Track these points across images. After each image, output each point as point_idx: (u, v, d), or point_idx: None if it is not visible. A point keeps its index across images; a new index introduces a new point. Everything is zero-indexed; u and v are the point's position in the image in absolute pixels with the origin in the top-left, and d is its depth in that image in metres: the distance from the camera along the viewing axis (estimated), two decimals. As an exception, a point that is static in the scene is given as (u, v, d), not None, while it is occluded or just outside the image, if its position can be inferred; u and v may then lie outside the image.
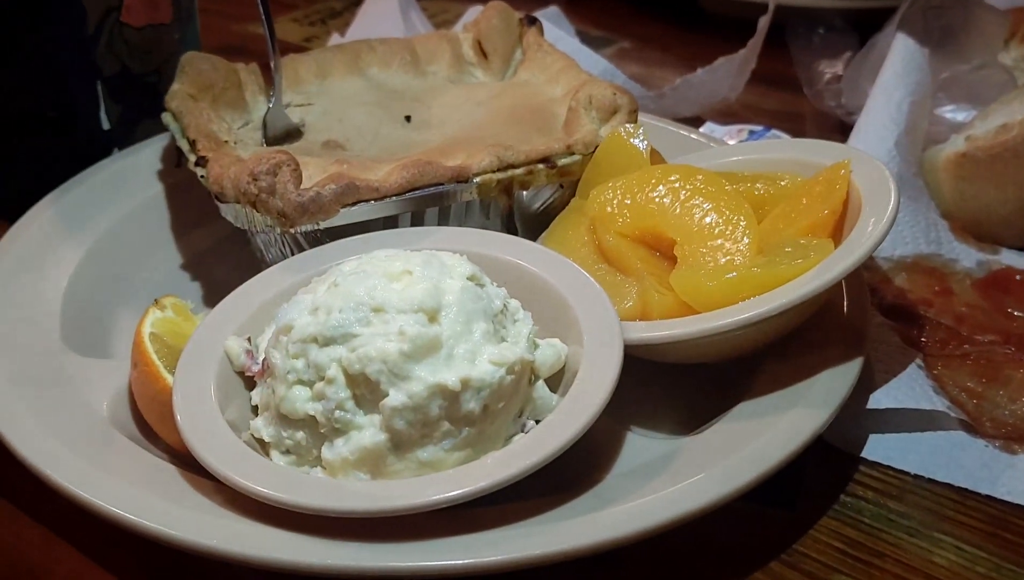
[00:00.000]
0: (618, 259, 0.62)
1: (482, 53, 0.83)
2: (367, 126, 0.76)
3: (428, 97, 0.80)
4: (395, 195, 0.63)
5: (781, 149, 0.68)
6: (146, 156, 0.78)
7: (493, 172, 0.65)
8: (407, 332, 0.48)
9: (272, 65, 0.75)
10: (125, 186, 0.75)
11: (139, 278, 0.71)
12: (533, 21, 0.83)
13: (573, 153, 0.67)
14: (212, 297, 0.68)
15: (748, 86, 1.02)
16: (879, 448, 0.58)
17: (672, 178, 0.63)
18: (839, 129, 0.98)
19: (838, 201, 0.60)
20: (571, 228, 0.66)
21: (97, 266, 0.68)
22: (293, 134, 0.75)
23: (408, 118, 0.78)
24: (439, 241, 0.61)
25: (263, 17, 0.75)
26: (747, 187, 0.65)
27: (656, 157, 0.68)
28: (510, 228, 0.69)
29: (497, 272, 0.58)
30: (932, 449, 0.58)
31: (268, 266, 0.62)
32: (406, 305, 0.49)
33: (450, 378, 0.47)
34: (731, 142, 0.88)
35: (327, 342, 0.49)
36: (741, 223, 0.59)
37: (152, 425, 0.55)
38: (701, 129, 0.90)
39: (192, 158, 0.66)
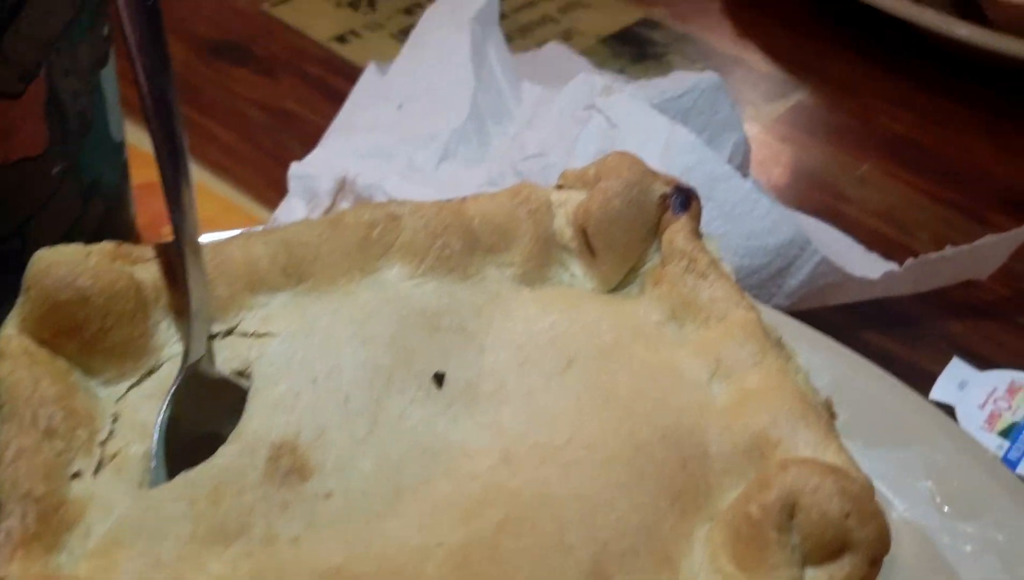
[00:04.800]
0: None
1: (588, 247, 0.47)
2: (361, 401, 0.43)
3: (480, 324, 0.46)
4: None
5: None
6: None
7: None
8: None
9: (184, 269, 0.41)
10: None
11: None
12: (687, 201, 0.47)
13: (743, 643, 0.33)
14: None
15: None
16: None
17: None
18: None
19: None
20: None
21: None
22: (219, 406, 0.42)
23: (439, 379, 0.44)
24: None
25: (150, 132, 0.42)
26: None
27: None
28: None
29: None
30: None
31: None
32: None
33: None
34: (996, 424, 0.52)
35: None
36: None
37: None
38: (942, 381, 0.54)
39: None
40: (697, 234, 0.48)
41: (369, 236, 0.47)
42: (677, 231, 0.47)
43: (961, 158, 0.78)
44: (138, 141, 0.72)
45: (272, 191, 0.68)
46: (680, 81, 0.67)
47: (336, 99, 0.74)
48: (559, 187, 0.51)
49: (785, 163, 0.76)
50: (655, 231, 0.48)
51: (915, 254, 0.69)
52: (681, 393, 0.42)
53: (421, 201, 0.48)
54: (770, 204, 0.57)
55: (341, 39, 0.86)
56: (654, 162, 0.59)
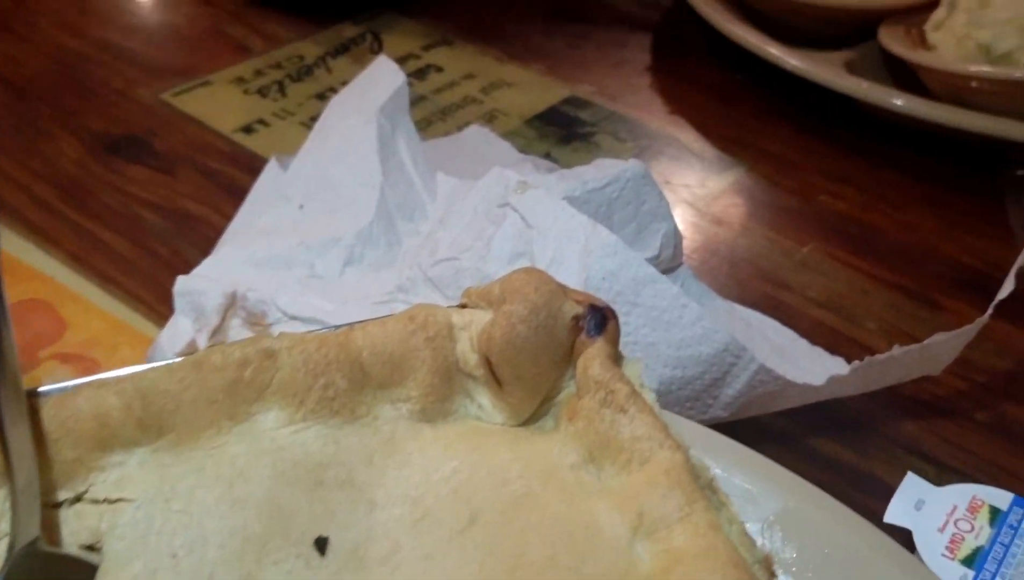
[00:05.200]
0: None
1: (494, 377, 0.42)
2: (229, 578, 0.36)
3: (371, 474, 0.40)
4: None
5: None
6: None
7: None
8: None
9: (4, 438, 0.35)
10: None
11: None
12: (603, 322, 0.42)
13: None
14: None
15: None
16: None
17: None
18: None
19: None
20: None
21: None
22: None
23: (322, 545, 0.38)
24: None
25: None
26: None
27: None
28: None
29: None
30: None
31: None
32: None
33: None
34: (958, 550, 0.47)
35: None
36: None
37: None
38: (896, 501, 0.49)
39: None
40: (615, 359, 0.42)
41: (240, 378, 0.41)
42: (592, 357, 0.41)
43: (905, 235, 0.74)
44: (18, 252, 0.66)
45: (164, 305, 0.62)
46: (603, 169, 0.62)
47: (240, 197, 0.68)
48: (462, 306, 0.45)
49: (722, 250, 0.71)
50: (569, 356, 0.43)
51: (861, 345, 0.65)
52: (600, 557, 0.36)
53: (301, 333, 0.42)
54: (700, 310, 0.52)
55: (247, 129, 0.80)
56: (573, 265, 0.54)
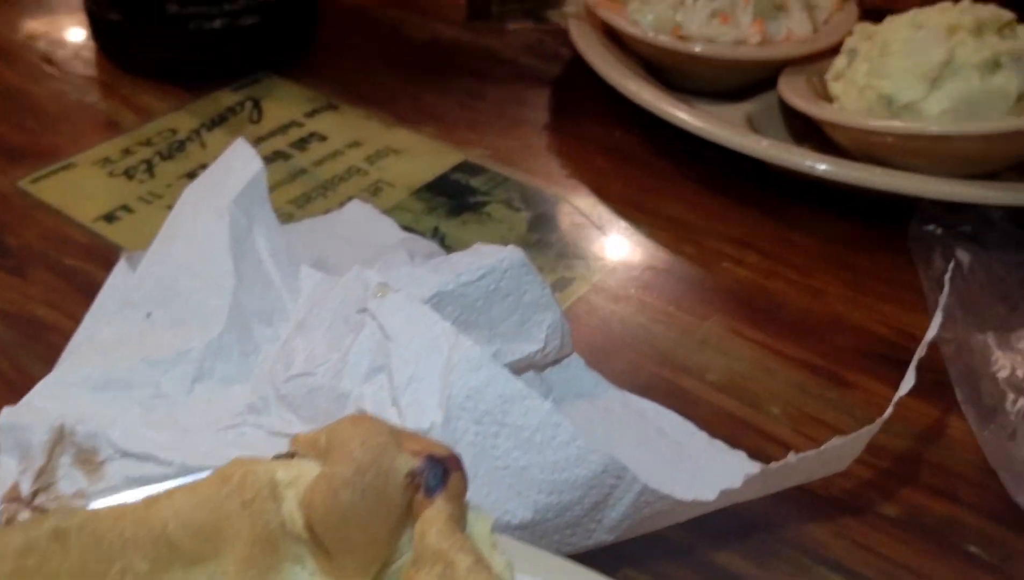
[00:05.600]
0: None
1: (321, 545, 0.36)
2: None
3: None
4: None
5: None
6: None
7: None
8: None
9: None
10: None
11: None
12: (443, 478, 0.36)
13: None
14: None
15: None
16: None
17: None
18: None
19: None
20: None
21: None
22: None
23: None
24: None
25: None
26: None
27: None
28: None
29: None
30: None
31: None
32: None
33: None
34: None
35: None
36: None
37: None
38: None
39: None
40: (458, 519, 0.37)
41: (21, 569, 0.35)
42: (430, 522, 0.36)
43: (811, 303, 0.70)
44: None
45: (0, 432, 0.56)
46: (480, 257, 0.57)
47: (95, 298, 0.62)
48: (291, 455, 0.40)
49: (617, 330, 0.67)
50: (407, 516, 0.37)
51: (764, 433, 0.61)
52: None
53: (95, 508, 0.37)
54: (574, 429, 0.47)
55: (110, 217, 0.74)
56: (435, 382, 0.49)
